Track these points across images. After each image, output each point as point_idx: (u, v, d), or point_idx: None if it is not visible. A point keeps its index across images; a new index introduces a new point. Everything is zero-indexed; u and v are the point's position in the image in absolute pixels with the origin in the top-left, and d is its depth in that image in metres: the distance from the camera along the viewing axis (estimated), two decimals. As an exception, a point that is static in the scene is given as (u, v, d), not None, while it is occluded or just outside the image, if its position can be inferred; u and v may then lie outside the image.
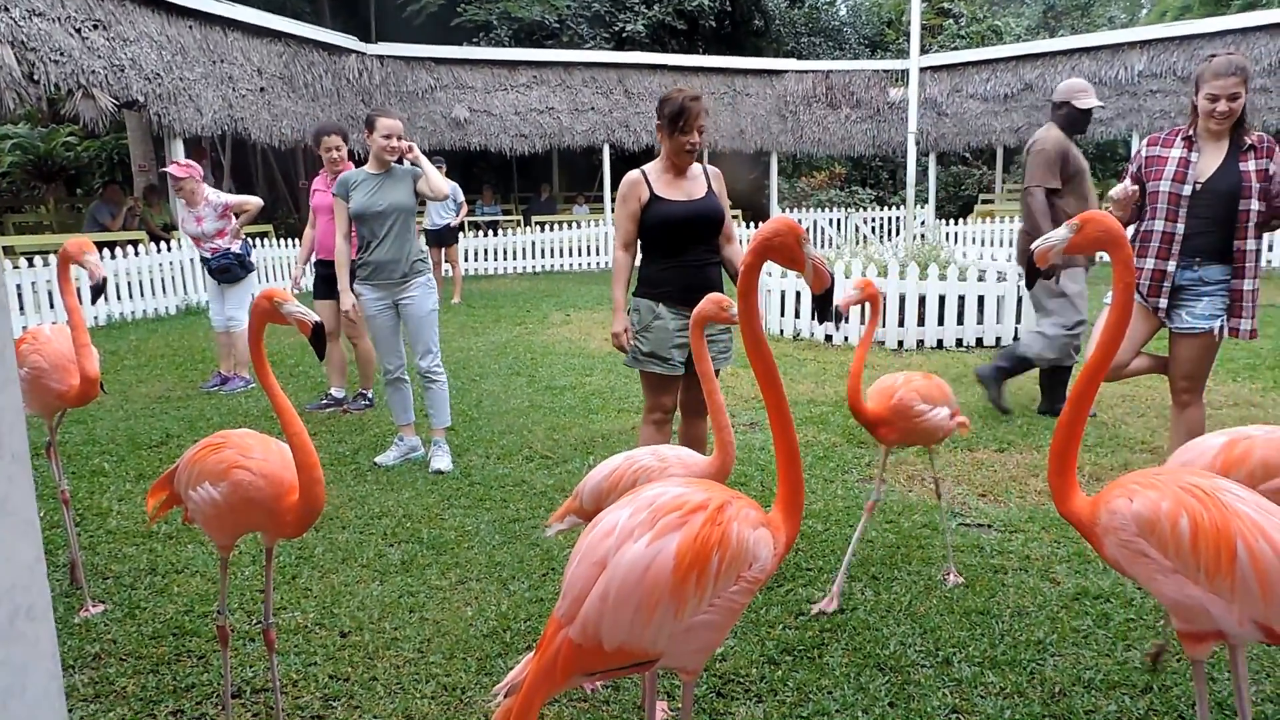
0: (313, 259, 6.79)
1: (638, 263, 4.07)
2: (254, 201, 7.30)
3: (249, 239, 7.38)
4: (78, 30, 11.04)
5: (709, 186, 3.97)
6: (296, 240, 12.17)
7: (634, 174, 3.95)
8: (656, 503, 1.76)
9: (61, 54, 10.64)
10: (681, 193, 3.90)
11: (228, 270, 7.15)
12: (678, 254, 3.89)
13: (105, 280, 3.40)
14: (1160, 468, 2.13)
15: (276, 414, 2.39)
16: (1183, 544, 1.90)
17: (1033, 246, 2.24)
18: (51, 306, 9.88)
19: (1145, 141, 4.24)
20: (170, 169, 7.04)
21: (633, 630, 1.68)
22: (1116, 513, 1.99)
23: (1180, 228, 4.06)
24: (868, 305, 3.47)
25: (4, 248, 10.77)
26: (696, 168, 4.00)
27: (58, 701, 0.87)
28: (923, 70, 17.18)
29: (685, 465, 2.72)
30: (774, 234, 1.89)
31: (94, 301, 3.51)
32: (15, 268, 9.77)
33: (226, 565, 2.64)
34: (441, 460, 5.20)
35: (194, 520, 2.53)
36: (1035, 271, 2.32)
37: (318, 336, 2.31)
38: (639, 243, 3.99)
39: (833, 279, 1.96)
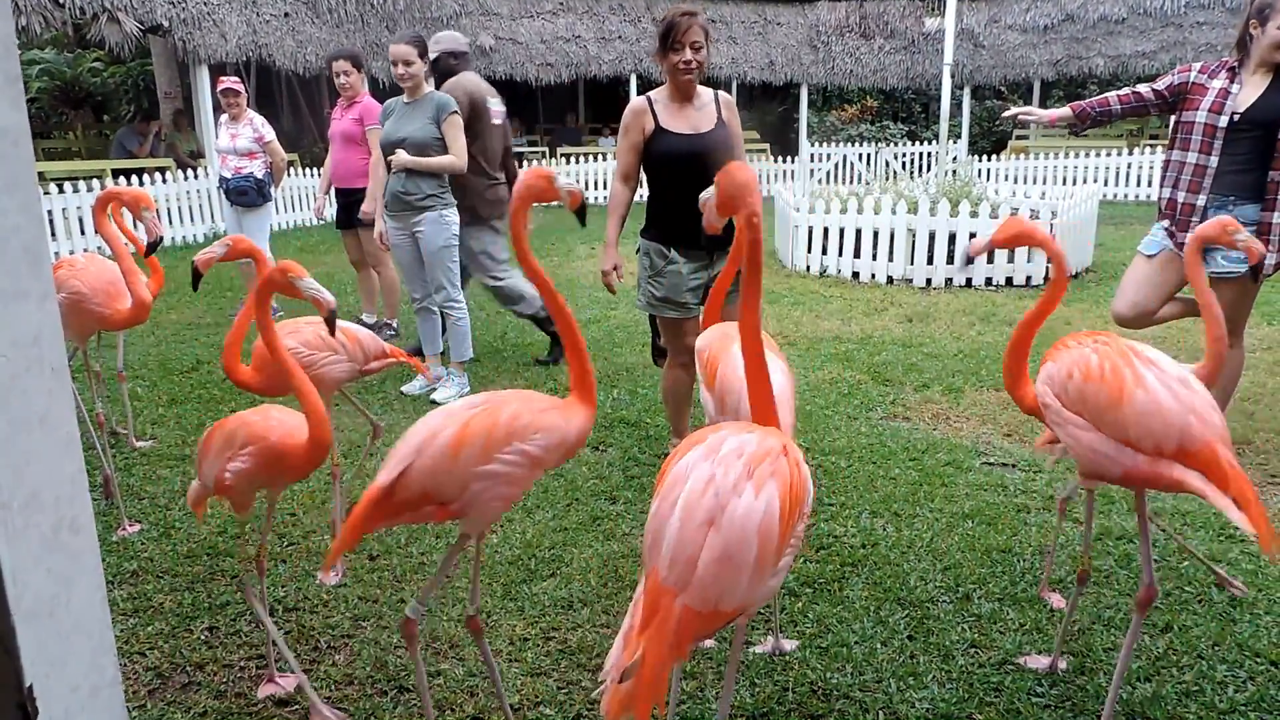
0: (332, 189, 6.79)
1: (641, 199, 3.89)
2: (283, 158, 7.39)
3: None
4: (100, -48, 10.91)
5: (719, 117, 3.73)
6: (320, 170, 12.15)
7: (638, 101, 3.72)
8: (745, 451, 1.68)
9: (85, -24, 10.54)
10: (688, 124, 3.67)
11: (244, 193, 7.17)
12: (688, 193, 3.69)
13: (161, 239, 3.44)
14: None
15: (292, 385, 2.35)
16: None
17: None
18: (83, 233, 9.96)
19: (1199, 67, 4.08)
20: (230, 83, 7.08)
21: (751, 587, 1.62)
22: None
23: (1213, 160, 3.94)
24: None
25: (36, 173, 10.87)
26: (706, 95, 3.75)
27: (102, 611, 0.89)
28: None
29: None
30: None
31: (148, 256, 3.55)
32: (46, 193, 9.82)
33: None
34: (443, 392, 5.23)
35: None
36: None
37: (332, 319, 2.26)
38: (645, 178, 3.80)
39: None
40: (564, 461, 2.29)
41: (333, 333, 2.36)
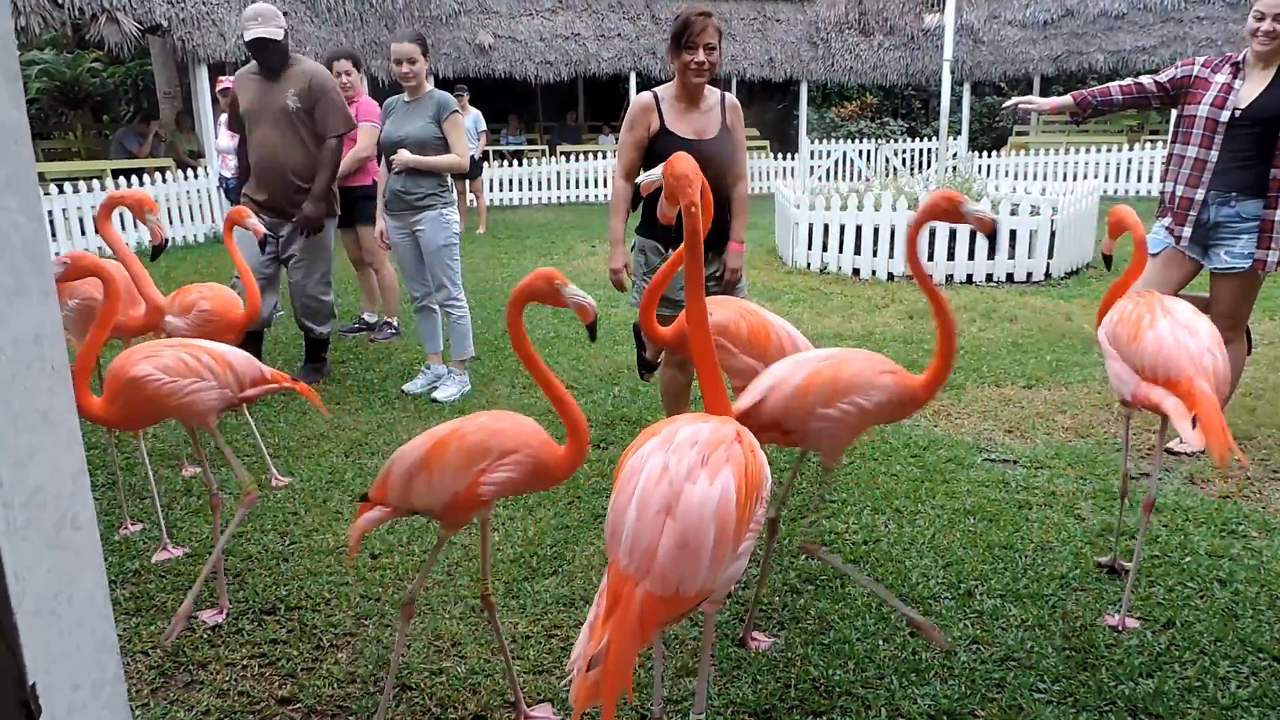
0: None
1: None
2: None
3: None
4: (99, -49, 10.91)
5: (724, 123, 3.71)
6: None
7: (645, 97, 3.68)
8: (700, 439, 1.72)
9: (84, -24, 10.54)
10: (692, 129, 3.65)
11: None
12: None
13: (167, 241, 3.39)
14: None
15: (544, 388, 2.25)
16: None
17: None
18: (83, 234, 9.96)
19: (1201, 62, 4.09)
20: (229, 83, 7.07)
21: (711, 572, 1.65)
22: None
23: (1214, 155, 3.94)
24: None
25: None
26: (713, 98, 3.73)
27: (104, 608, 0.89)
28: (960, -4, 16.63)
29: None
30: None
31: (154, 259, 3.51)
32: (45, 194, 9.82)
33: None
34: (444, 390, 5.22)
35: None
36: None
37: (594, 326, 2.08)
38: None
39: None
40: (896, 420, 2.76)
41: (593, 339, 2.16)
